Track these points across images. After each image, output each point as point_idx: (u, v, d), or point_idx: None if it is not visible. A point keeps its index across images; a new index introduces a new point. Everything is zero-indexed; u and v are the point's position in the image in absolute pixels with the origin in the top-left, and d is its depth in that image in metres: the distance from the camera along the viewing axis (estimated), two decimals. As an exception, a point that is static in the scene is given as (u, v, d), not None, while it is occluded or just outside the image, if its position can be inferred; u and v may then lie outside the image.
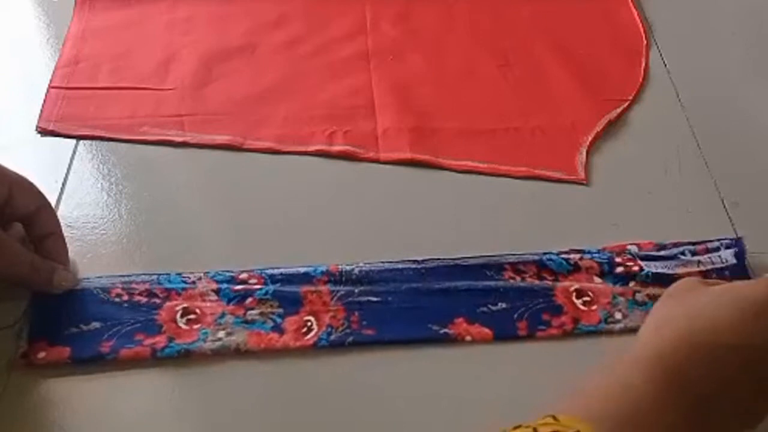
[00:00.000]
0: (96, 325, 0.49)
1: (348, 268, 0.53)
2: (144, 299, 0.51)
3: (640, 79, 0.70)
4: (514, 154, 0.63)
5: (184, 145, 0.63)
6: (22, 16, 0.73)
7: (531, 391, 0.48)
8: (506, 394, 0.48)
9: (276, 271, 0.53)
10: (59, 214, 0.56)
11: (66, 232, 0.55)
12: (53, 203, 0.57)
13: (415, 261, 0.54)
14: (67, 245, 0.54)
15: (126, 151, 0.62)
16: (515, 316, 0.51)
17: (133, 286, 0.52)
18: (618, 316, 0.52)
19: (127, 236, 0.56)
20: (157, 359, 0.49)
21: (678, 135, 0.65)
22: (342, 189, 0.60)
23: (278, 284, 0.52)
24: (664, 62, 0.72)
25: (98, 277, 0.52)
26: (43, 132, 0.63)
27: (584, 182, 0.61)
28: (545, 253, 0.55)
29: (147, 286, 0.52)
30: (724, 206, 0.60)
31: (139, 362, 0.49)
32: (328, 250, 0.55)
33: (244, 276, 0.53)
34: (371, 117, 0.65)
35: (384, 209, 0.59)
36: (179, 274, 0.53)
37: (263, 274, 0.53)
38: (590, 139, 0.64)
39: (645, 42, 0.73)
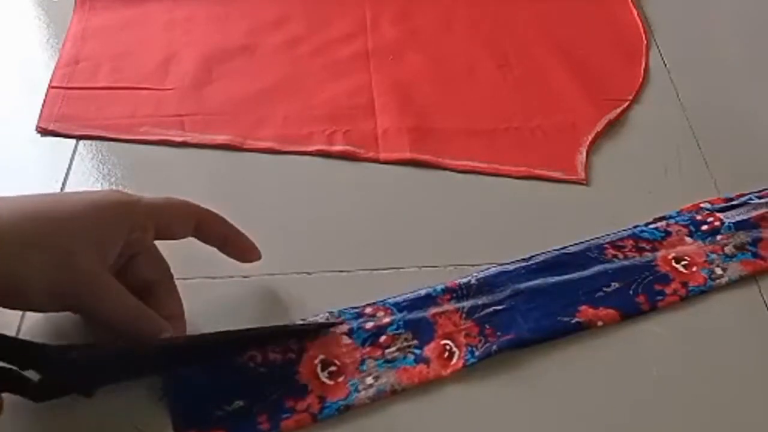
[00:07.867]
0: (240, 403, 0.46)
1: (465, 280, 0.53)
2: (278, 356, 0.48)
3: (640, 79, 0.70)
4: (514, 154, 0.63)
5: (184, 145, 0.63)
6: (22, 16, 0.73)
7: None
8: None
9: (399, 299, 0.52)
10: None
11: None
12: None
13: (523, 259, 0.55)
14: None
15: (126, 152, 0.62)
16: (631, 292, 0.53)
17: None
18: (719, 271, 0.54)
19: (127, 236, 0.56)
20: (318, 422, 0.46)
21: (678, 135, 0.65)
22: (342, 189, 0.60)
23: (404, 312, 0.51)
24: (664, 62, 0.72)
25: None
26: (43, 132, 0.63)
27: (584, 182, 0.61)
28: (635, 226, 0.57)
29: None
30: (724, 206, 0.60)
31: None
32: (328, 250, 0.55)
33: (369, 310, 0.51)
34: (371, 117, 0.65)
35: (384, 210, 0.59)
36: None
37: (386, 305, 0.51)
38: (590, 139, 0.64)
39: (645, 42, 0.73)
